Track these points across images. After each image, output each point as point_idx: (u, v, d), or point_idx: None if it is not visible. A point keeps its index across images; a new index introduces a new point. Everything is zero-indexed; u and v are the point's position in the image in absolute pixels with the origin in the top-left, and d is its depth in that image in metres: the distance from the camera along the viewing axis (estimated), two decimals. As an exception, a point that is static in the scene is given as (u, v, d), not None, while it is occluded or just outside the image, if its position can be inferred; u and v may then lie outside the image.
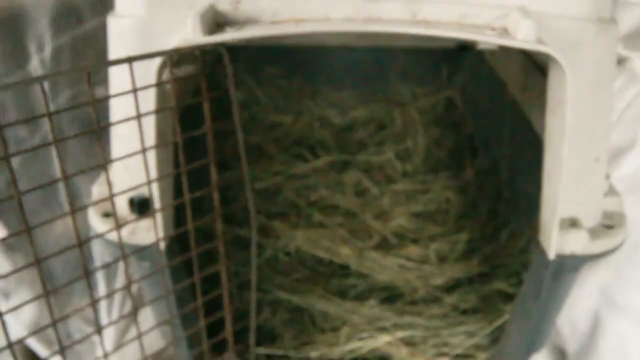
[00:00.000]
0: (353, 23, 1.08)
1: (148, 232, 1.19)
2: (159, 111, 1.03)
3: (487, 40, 1.03)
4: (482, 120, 2.27)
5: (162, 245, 1.19)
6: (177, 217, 1.26)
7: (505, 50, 2.00)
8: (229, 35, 1.01)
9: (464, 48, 2.46)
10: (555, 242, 1.17)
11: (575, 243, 1.18)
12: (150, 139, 1.09)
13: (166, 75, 1.03)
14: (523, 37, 1.00)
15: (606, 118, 1.15)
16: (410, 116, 2.36)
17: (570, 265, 1.21)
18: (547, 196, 1.18)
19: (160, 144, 1.06)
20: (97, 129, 0.93)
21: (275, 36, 1.05)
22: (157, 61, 1.04)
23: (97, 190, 1.30)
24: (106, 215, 1.23)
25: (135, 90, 0.97)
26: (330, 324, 1.56)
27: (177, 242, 1.27)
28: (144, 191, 1.17)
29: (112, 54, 1.13)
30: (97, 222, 1.21)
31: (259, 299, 1.60)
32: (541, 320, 1.31)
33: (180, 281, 1.26)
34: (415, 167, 2.15)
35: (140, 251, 1.17)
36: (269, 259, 1.76)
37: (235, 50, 2.50)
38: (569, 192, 1.14)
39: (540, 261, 1.23)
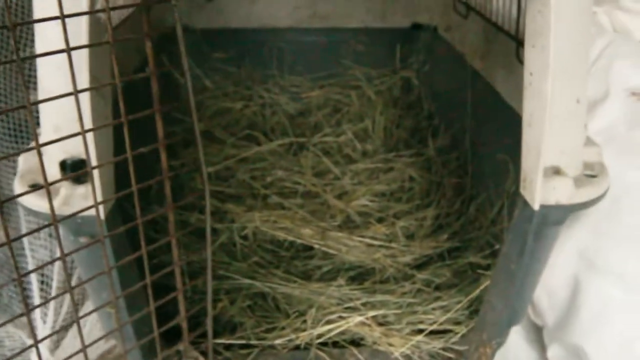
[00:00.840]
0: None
1: (85, 199, 1.02)
2: (92, 45, 0.88)
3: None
4: (441, 98, 2.20)
5: (102, 213, 1.03)
6: (119, 185, 1.10)
7: (463, 22, 1.94)
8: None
9: (418, 27, 2.39)
10: (540, 190, 1.08)
11: (561, 192, 1.09)
12: (84, 84, 0.93)
13: (100, 4, 0.88)
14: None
15: (586, 53, 1.07)
16: (366, 98, 2.26)
17: (555, 217, 1.12)
18: (529, 143, 1.09)
19: (95, 87, 0.91)
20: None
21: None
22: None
23: (25, 159, 1.13)
24: (34, 186, 1.06)
25: (62, 18, 0.82)
26: (296, 308, 1.42)
27: (119, 212, 1.11)
28: (78, 152, 1.01)
29: None
30: (26, 197, 1.04)
31: (215, 287, 1.45)
32: (524, 283, 1.21)
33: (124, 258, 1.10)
34: (375, 147, 2.05)
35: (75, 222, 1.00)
36: (223, 243, 1.61)
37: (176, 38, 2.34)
38: (552, 136, 1.05)
39: (523, 215, 1.13)
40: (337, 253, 1.59)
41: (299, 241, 1.60)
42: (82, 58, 0.91)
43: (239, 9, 2.37)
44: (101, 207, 1.01)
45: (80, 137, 0.93)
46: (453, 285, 1.52)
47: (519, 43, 1.48)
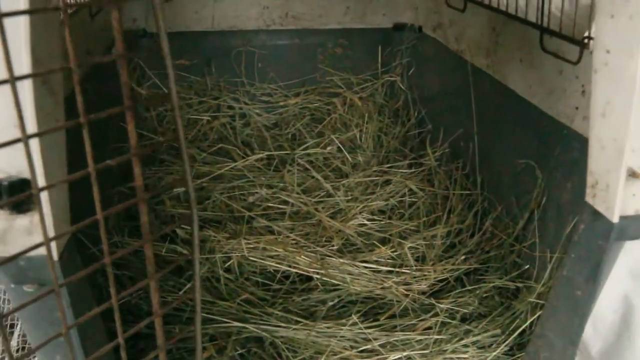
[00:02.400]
0: None
1: (29, 234, 0.74)
2: (34, 12, 0.61)
3: None
4: (434, 102, 1.99)
5: (55, 253, 0.75)
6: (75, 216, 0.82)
7: (460, 17, 1.74)
8: None
9: (401, 27, 2.19)
10: (622, 198, 0.86)
11: (642, 199, 0.88)
12: (24, 70, 0.66)
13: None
14: None
15: None
16: (349, 106, 2.03)
17: (634, 231, 0.91)
18: (603, 138, 0.87)
19: (39, 73, 0.64)
20: None
21: None
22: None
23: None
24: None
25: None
26: (301, 355, 1.15)
27: (75, 250, 0.82)
28: (16, 169, 0.73)
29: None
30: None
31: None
32: (589, 310, 0.99)
33: (85, 311, 0.82)
34: (366, 158, 1.81)
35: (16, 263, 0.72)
36: (204, 278, 1.33)
37: (136, 43, 2.07)
38: (636, 129, 0.84)
39: (594, 229, 0.91)
40: (341, 283, 1.33)
41: (294, 271, 1.34)
42: (19, 32, 0.64)
43: (201, 9, 2.11)
44: (53, 244, 0.73)
45: (19, 149, 0.65)
46: (481, 315, 1.29)
47: (544, 30, 1.29)
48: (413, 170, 1.75)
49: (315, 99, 2.13)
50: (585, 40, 1.14)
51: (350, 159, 1.77)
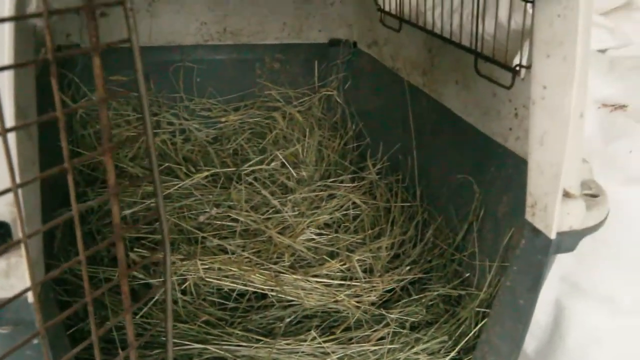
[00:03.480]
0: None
1: (5, 277, 0.74)
2: (21, 65, 0.62)
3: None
4: (371, 116, 2.07)
5: (31, 296, 0.75)
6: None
7: (395, 36, 1.83)
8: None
9: (336, 42, 2.26)
10: (558, 217, 0.96)
11: (574, 216, 0.98)
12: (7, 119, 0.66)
13: (36, 5, 0.63)
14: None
15: (588, 55, 0.97)
16: (288, 120, 2.08)
17: (568, 245, 1.01)
18: (542, 164, 0.97)
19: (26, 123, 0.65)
20: None
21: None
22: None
23: None
24: None
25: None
26: (263, 373, 1.19)
27: (51, 290, 0.83)
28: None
29: None
30: None
31: (159, 358, 1.18)
32: (531, 316, 1.09)
33: (61, 348, 0.82)
34: (309, 173, 1.86)
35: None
36: (157, 301, 1.33)
37: (71, 59, 2.01)
38: (569, 156, 0.94)
39: (534, 245, 1.01)
40: (295, 299, 1.38)
41: (251, 290, 1.37)
42: (3, 83, 0.64)
43: (137, 24, 2.08)
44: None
45: None
46: (428, 323, 1.38)
47: (478, 55, 1.39)
48: (355, 183, 1.82)
49: (255, 113, 2.16)
50: (517, 68, 1.25)
51: (295, 174, 1.82)
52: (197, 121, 2.13)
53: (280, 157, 1.83)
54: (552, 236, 0.97)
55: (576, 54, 0.85)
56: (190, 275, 1.35)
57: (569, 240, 1.00)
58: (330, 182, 1.83)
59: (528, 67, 1.19)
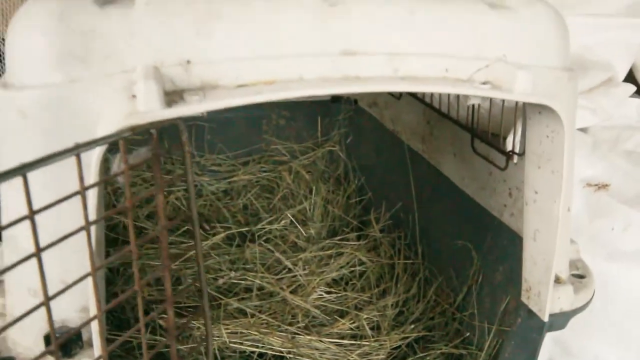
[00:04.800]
0: (332, 84, 0.90)
1: (79, 379, 0.86)
2: (102, 218, 0.74)
3: (486, 94, 0.93)
4: (373, 172, 2.21)
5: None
6: None
7: (396, 102, 1.97)
8: (201, 106, 0.78)
9: (337, 99, 2.40)
10: (550, 302, 1.09)
11: (564, 300, 1.12)
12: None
13: (117, 165, 0.75)
14: (521, 90, 0.92)
15: (574, 162, 1.12)
16: (297, 175, 2.21)
17: (559, 324, 1.15)
18: (535, 256, 1.10)
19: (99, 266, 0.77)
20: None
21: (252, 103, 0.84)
22: (97, 148, 0.76)
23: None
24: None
25: (83, 191, 0.68)
26: None
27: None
28: (61, 317, 0.85)
29: (12, 138, 0.81)
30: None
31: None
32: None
33: None
34: (316, 230, 1.99)
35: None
36: (184, 366, 1.45)
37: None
38: (558, 250, 1.08)
39: (528, 324, 1.15)
40: (311, 360, 1.50)
41: (270, 353, 1.49)
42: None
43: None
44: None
45: (64, 300, 0.78)
46: (434, 380, 1.50)
47: (474, 134, 1.53)
48: (360, 242, 1.95)
49: (262, 168, 2.29)
50: (510, 153, 1.38)
51: (304, 232, 1.95)
52: (207, 176, 2.26)
53: (290, 216, 1.96)
54: (545, 319, 1.10)
55: (563, 168, 0.99)
56: (216, 340, 1.47)
57: (560, 321, 1.13)
58: (338, 240, 1.95)
59: (520, 155, 1.33)
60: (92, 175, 0.74)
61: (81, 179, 0.69)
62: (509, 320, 1.34)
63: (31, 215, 0.63)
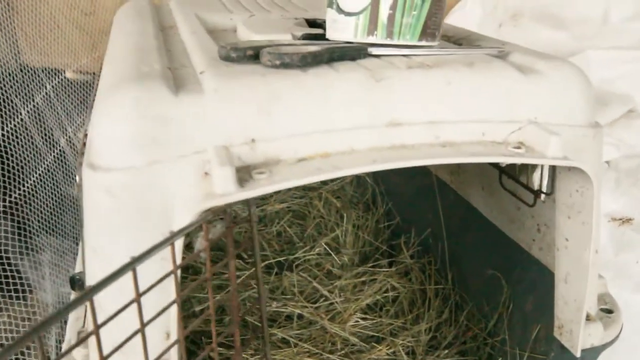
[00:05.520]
0: (381, 154, 0.99)
1: None
2: (188, 290, 0.84)
3: (521, 161, 1.01)
4: (400, 197, 2.30)
5: None
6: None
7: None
8: (271, 187, 0.88)
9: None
10: (582, 339, 1.18)
11: (595, 336, 1.20)
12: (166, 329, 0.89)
13: (200, 242, 0.85)
14: (553, 154, 1.01)
15: (600, 207, 1.20)
16: (327, 202, 2.31)
17: (589, 357, 1.23)
18: (567, 297, 1.19)
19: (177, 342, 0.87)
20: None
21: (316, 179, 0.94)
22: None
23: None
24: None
25: (176, 270, 0.78)
26: None
27: None
28: None
29: (99, 215, 0.91)
30: None
31: None
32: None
33: None
34: (349, 256, 2.08)
35: None
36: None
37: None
38: (590, 291, 1.16)
39: (561, 358, 1.23)
40: (352, 388, 1.59)
41: (314, 382, 1.59)
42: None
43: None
44: None
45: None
46: (468, 406, 1.59)
47: (502, 171, 1.61)
48: (393, 268, 2.04)
49: (294, 194, 2.39)
50: (538, 191, 1.47)
51: (337, 260, 2.04)
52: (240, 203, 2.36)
53: (324, 245, 2.06)
54: (578, 354, 1.19)
55: (592, 221, 1.07)
56: (263, 371, 1.57)
57: (591, 355, 1.22)
58: (370, 266, 2.04)
59: (549, 194, 1.41)
60: (178, 254, 0.84)
61: (174, 261, 0.79)
62: (540, 347, 1.42)
63: (137, 298, 0.73)
